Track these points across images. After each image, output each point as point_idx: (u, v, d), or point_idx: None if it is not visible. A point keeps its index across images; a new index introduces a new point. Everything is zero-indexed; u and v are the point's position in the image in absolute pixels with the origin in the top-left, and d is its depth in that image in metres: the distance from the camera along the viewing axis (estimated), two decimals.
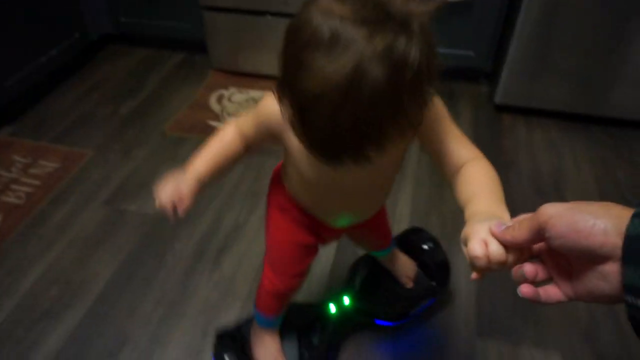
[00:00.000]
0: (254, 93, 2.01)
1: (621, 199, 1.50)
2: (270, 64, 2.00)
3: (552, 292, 0.43)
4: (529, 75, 1.73)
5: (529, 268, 0.43)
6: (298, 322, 1.08)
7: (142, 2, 2.14)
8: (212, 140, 0.79)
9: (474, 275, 0.46)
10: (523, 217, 0.43)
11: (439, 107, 0.62)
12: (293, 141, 0.61)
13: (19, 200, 1.55)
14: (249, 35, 1.98)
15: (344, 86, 0.44)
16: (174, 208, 0.74)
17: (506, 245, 0.42)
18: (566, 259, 0.41)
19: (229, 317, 1.19)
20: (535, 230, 0.40)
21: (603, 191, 1.53)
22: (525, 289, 0.42)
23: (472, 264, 0.44)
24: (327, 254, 1.32)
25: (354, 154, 0.49)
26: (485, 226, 0.44)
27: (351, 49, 0.44)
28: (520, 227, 0.41)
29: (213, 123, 1.86)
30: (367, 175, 0.71)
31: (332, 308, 1.09)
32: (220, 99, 1.99)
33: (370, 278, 1.15)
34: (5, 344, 1.16)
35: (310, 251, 0.91)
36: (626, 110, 1.74)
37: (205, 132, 1.81)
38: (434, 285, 1.13)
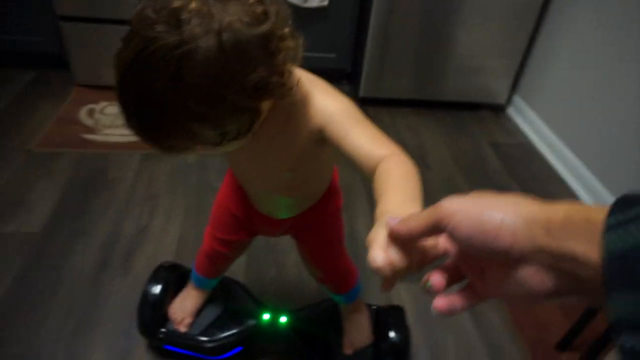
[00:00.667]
0: None
1: (470, 162, 1.84)
2: None
3: (469, 295, 0.38)
4: (384, 70, 2.02)
5: (435, 279, 0.38)
6: (232, 301, 1.09)
7: None
8: None
9: (383, 285, 0.39)
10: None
11: (339, 103, 0.61)
12: None
13: None
14: (113, 47, 1.91)
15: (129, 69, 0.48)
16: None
17: (404, 240, 0.37)
18: (478, 262, 0.37)
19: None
20: (433, 222, 0.35)
21: (455, 158, 1.85)
22: (439, 304, 0.37)
23: (378, 274, 0.37)
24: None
25: (159, 144, 0.52)
26: (381, 230, 0.39)
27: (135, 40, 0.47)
28: (418, 218, 0.36)
29: (89, 136, 1.75)
30: (252, 166, 0.74)
31: (266, 316, 1.07)
32: (91, 113, 1.88)
33: (321, 319, 1.09)
34: None
35: (240, 228, 0.92)
36: (458, 94, 2.13)
37: (82, 146, 1.70)
38: None
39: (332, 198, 0.88)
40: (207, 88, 0.47)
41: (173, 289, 1.07)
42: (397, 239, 0.37)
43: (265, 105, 0.54)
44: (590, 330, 1.10)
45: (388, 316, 1.05)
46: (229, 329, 1.04)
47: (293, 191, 0.78)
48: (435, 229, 0.35)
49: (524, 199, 0.34)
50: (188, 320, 1.04)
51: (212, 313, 1.07)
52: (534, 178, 1.80)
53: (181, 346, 1.03)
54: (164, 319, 1.04)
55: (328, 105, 0.60)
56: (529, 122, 2.05)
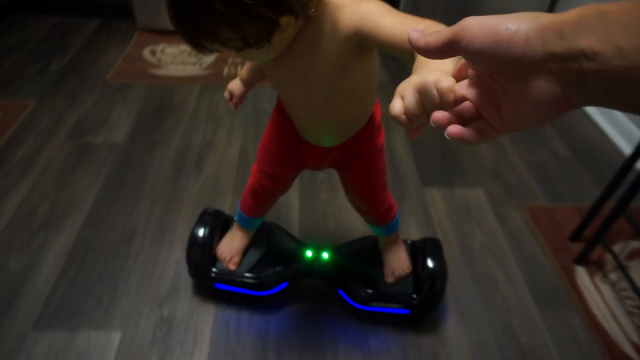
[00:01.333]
0: (184, 46, 2.15)
1: None
2: None
3: (481, 128, 0.39)
4: None
5: (438, 114, 0.38)
6: (274, 242, 1.15)
7: None
8: None
9: (408, 134, 0.42)
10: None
11: (371, 5, 0.62)
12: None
13: None
14: None
15: None
16: (230, 100, 0.99)
17: (425, 54, 0.37)
18: (492, 90, 0.37)
19: (224, 204, 1.37)
20: (451, 37, 0.35)
21: None
22: (453, 129, 0.38)
23: (398, 122, 0.39)
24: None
25: (191, 40, 0.58)
26: (407, 80, 0.40)
27: None
28: (438, 33, 0.36)
29: (154, 71, 1.97)
30: (294, 87, 0.78)
31: (309, 253, 1.11)
32: (153, 53, 2.10)
33: (361, 251, 1.14)
34: (9, 252, 1.20)
35: (286, 161, 0.95)
36: None
37: (149, 78, 1.93)
38: (414, 297, 1.05)
39: (375, 133, 0.91)
40: None
41: (219, 231, 1.13)
42: (421, 54, 0.37)
43: (285, 20, 0.59)
44: (597, 222, 1.27)
45: (424, 247, 1.10)
46: (274, 266, 1.09)
47: (335, 111, 0.80)
48: (453, 44, 0.35)
49: (542, 13, 0.33)
50: (236, 259, 1.09)
51: (257, 252, 1.12)
52: None
53: (231, 283, 1.08)
54: (213, 259, 1.10)
55: (359, 7, 0.63)
56: None
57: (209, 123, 1.71)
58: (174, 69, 2.00)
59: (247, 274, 1.08)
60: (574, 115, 1.92)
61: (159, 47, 2.15)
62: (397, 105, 0.38)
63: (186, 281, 1.16)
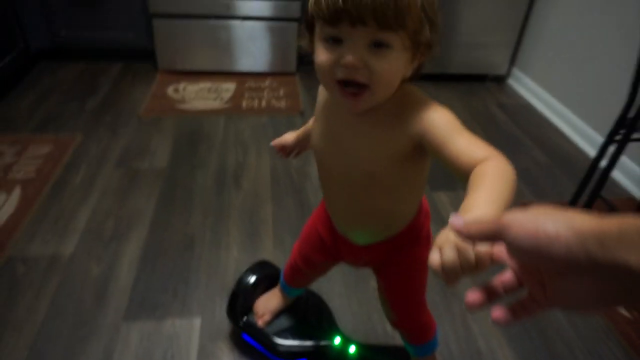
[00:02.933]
0: (204, 84, 2.41)
1: (483, 117, 2.30)
2: (212, 60, 2.44)
3: (525, 304, 0.40)
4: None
5: (470, 296, 0.40)
6: (311, 314, 1.16)
7: (82, 15, 2.39)
8: None
9: (447, 284, 0.41)
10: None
11: (445, 113, 0.62)
12: (317, 106, 0.76)
13: (29, 175, 1.71)
14: (192, 38, 2.39)
15: None
16: (282, 149, 0.97)
17: (468, 240, 0.38)
18: (538, 273, 0.39)
19: (265, 212, 1.60)
20: (492, 232, 0.36)
21: (471, 114, 2.32)
22: (497, 314, 0.40)
23: (435, 274, 0.40)
24: None
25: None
26: (445, 231, 0.41)
27: None
28: (479, 225, 0.37)
29: (182, 106, 2.21)
30: (345, 171, 0.73)
31: (337, 340, 1.10)
32: (176, 91, 2.35)
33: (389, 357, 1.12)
34: (89, 259, 1.39)
35: (323, 250, 0.93)
36: (466, 67, 2.61)
37: (178, 112, 2.16)
38: None
39: (420, 244, 0.84)
40: None
41: (265, 285, 1.16)
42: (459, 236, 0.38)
43: (412, 63, 0.63)
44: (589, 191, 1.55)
45: None
46: (300, 338, 1.10)
47: (369, 203, 0.75)
48: (493, 238, 0.37)
49: (579, 214, 0.34)
50: (267, 317, 1.11)
51: (290, 318, 1.14)
52: (534, 126, 2.27)
53: (255, 339, 1.11)
54: (249, 309, 1.14)
55: (433, 113, 0.63)
56: (526, 87, 2.53)
57: (239, 147, 1.95)
58: (198, 104, 2.25)
59: (271, 335, 1.10)
60: (545, 128, 2.25)
61: (181, 85, 2.39)
62: (435, 259, 0.39)
63: None
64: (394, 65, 0.60)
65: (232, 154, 1.91)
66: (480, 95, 2.54)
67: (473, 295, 0.40)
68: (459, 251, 0.38)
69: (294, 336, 1.10)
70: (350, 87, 0.61)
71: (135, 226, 1.52)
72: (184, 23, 2.35)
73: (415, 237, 0.83)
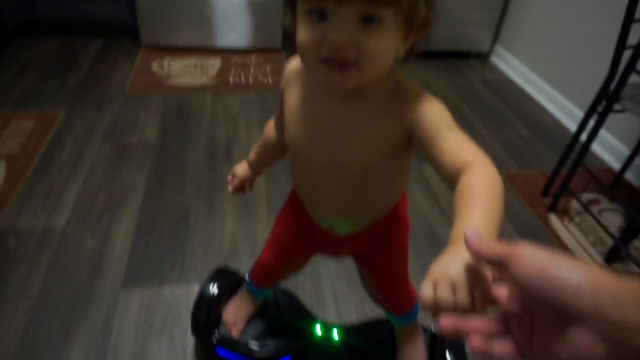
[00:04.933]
0: (189, 60, 2.38)
1: (467, 93, 2.34)
2: (196, 36, 2.41)
3: (506, 347, 0.38)
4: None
5: (447, 322, 0.37)
6: (284, 312, 1.09)
7: None
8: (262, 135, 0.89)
9: (432, 315, 0.37)
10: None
11: (440, 108, 0.59)
12: (290, 98, 0.70)
13: (14, 151, 1.67)
14: (176, 13, 2.35)
15: None
16: (240, 189, 0.95)
17: (474, 257, 0.37)
18: (530, 317, 0.37)
19: (259, 186, 1.60)
20: (503, 256, 0.35)
21: (455, 90, 2.36)
22: (476, 342, 0.37)
23: (424, 307, 0.37)
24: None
25: None
26: (444, 263, 0.38)
27: None
28: (491, 245, 0.36)
29: (169, 82, 2.19)
30: (333, 158, 0.67)
31: (319, 329, 1.05)
32: (161, 67, 2.31)
33: (375, 337, 1.07)
34: (83, 232, 1.37)
35: (298, 245, 0.90)
36: (450, 44, 2.64)
37: (164, 88, 2.14)
38: None
39: (400, 230, 0.83)
40: None
41: (228, 293, 1.07)
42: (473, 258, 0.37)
43: (406, 42, 0.59)
44: (559, 182, 1.61)
45: (445, 341, 1.01)
46: (280, 339, 1.03)
47: (356, 193, 0.72)
48: (502, 262, 0.35)
49: (599, 267, 0.33)
50: (240, 325, 1.03)
51: (264, 321, 1.07)
52: (517, 101, 2.33)
53: (232, 350, 1.03)
54: (218, 322, 1.04)
55: (428, 105, 0.59)
56: (509, 64, 2.59)
57: (229, 122, 1.94)
58: (184, 80, 2.22)
59: (248, 343, 1.02)
60: (527, 103, 2.31)
61: (166, 62, 2.36)
62: (428, 293, 0.37)
63: (244, 246, 1.38)
64: (386, 44, 0.55)
65: (222, 129, 1.90)
66: (464, 72, 2.58)
67: (448, 321, 0.37)
68: (457, 291, 0.36)
69: (273, 338, 1.03)
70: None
71: (128, 200, 1.51)
72: None
73: (395, 223, 0.81)
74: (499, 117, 2.17)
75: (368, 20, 0.52)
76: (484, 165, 0.51)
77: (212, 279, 1.07)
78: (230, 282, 1.09)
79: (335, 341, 1.04)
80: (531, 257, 0.34)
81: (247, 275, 1.05)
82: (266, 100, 2.11)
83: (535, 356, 0.37)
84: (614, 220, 1.60)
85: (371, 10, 0.52)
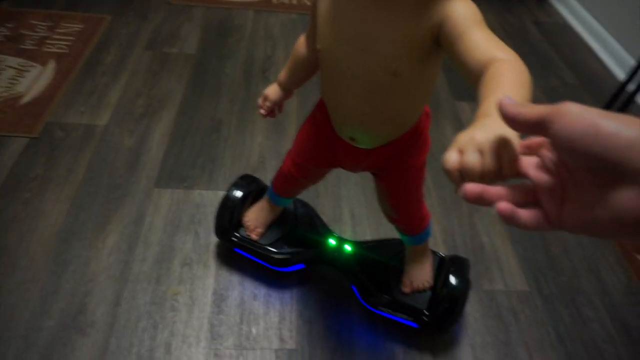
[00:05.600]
0: None
1: (516, 33, 2.24)
2: None
3: (533, 214, 0.35)
4: None
5: (503, 206, 0.35)
6: (301, 222, 1.15)
7: None
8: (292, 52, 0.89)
9: (455, 189, 0.36)
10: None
11: (469, 4, 0.58)
12: (321, 5, 0.70)
13: (62, 50, 1.74)
14: None
15: None
16: (271, 112, 0.96)
17: (510, 123, 0.34)
18: (563, 182, 0.34)
19: (290, 106, 1.63)
20: (544, 115, 0.32)
21: (503, 29, 2.25)
22: (503, 206, 0.34)
23: (447, 176, 0.36)
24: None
25: None
26: (471, 131, 0.36)
27: None
28: (531, 106, 0.33)
29: None
30: (361, 62, 0.67)
31: (332, 242, 1.10)
32: None
33: (385, 253, 1.11)
34: (122, 131, 1.46)
35: (319, 156, 0.91)
36: None
37: (209, 2, 2.13)
38: (425, 314, 1.00)
39: (420, 147, 0.84)
40: None
41: (251, 199, 1.13)
42: (505, 120, 0.34)
43: None
44: None
45: (451, 265, 1.03)
46: (295, 246, 1.09)
47: (381, 104, 0.72)
48: (544, 124, 0.32)
49: None
50: (260, 230, 1.09)
51: (282, 228, 1.12)
52: (567, 46, 2.21)
53: (250, 252, 1.09)
54: (239, 224, 1.11)
55: (456, 1, 0.59)
56: (567, 5, 2.42)
57: (267, 42, 1.94)
58: None
59: (267, 247, 1.08)
60: (579, 49, 2.19)
61: None
62: (453, 159, 0.35)
63: (270, 162, 1.43)
64: None
65: (261, 48, 1.91)
66: (518, 10, 2.44)
67: (473, 187, 0.35)
68: (484, 156, 0.34)
69: (289, 244, 1.09)
70: None
71: (165, 106, 1.57)
72: None
73: (415, 140, 0.81)
74: (546, 62, 2.08)
75: None
76: (513, 58, 0.49)
77: (237, 184, 1.13)
78: (253, 188, 1.14)
79: (348, 252, 1.08)
80: (578, 113, 0.30)
81: (269, 183, 1.10)
82: (306, 22, 2.07)
83: (564, 225, 0.34)
84: None
85: None
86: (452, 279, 0.99)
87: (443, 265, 1.07)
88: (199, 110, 1.58)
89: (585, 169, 0.32)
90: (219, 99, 1.63)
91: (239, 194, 1.10)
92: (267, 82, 1.73)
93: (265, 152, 1.46)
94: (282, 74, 0.91)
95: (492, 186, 0.35)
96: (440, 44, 0.60)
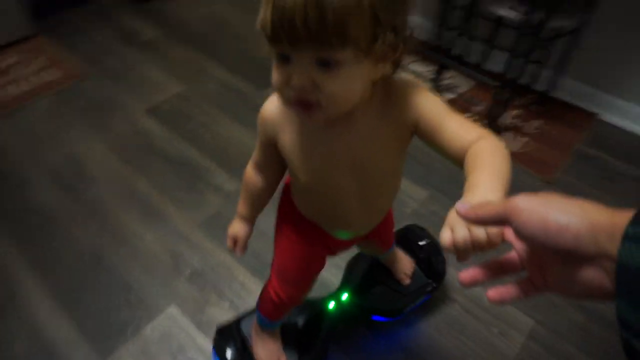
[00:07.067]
0: None
1: None
2: None
3: (522, 286, 0.42)
4: None
5: (465, 274, 0.43)
6: (298, 319, 1.08)
7: None
8: (242, 184, 0.84)
9: (457, 259, 0.42)
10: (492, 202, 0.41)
11: (432, 96, 0.61)
12: (286, 139, 0.68)
13: None
14: None
15: None
16: (234, 246, 0.87)
17: (475, 224, 0.40)
18: (540, 257, 0.40)
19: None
20: (500, 216, 0.37)
21: None
22: (492, 294, 0.41)
23: (446, 251, 0.41)
24: None
25: (307, 30, 0.48)
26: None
27: None
28: (487, 208, 0.38)
29: None
30: (355, 177, 0.69)
31: (331, 304, 1.10)
32: None
33: (368, 274, 1.15)
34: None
35: (316, 262, 0.89)
36: None
37: None
38: (430, 282, 1.14)
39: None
40: None
41: (241, 343, 1.03)
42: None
43: (379, 67, 0.56)
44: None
45: (410, 235, 1.21)
46: (320, 339, 1.06)
47: (380, 197, 0.77)
48: (502, 221, 0.37)
49: (591, 204, 0.35)
50: (284, 358, 1.03)
51: (290, 340, 1.06)
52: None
53: None
54: None
55: (422, 97, 0.61)
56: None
57: None
58: None
59: None
60: None
61: None
62: (447, 238, 0.41)
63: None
64: (348, 83, 0.55)
65: None
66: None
67: (466, 273, 0.43)
68: (471, 229, 0.40)
69: (309, 345, 1.05)
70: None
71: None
72: None
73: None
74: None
75: (325, 64, 0.52)
76: (489, 137, 0.55)
77: (220, 340, 1.04)
78: (235, 335, 1.05)
79: (348, 300, 1.13)
80: (530, 209, 0.36)
81: (255, 315, 1.01)
82: None
83: (550, 289, 0.40)
84: None
85: (324, 54, 0.51)
86: (420, 243, 1.18)
87: (406, 242, 1.20)
88: (216, 57, 1.77)
89: (550, 253, 0.37)
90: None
91: (231, 351, 1.01)
92: None
93: None
94: (242, 208, 0.86)
95: (482, 269, 0.43)
96: (420, 137, 0.63)
